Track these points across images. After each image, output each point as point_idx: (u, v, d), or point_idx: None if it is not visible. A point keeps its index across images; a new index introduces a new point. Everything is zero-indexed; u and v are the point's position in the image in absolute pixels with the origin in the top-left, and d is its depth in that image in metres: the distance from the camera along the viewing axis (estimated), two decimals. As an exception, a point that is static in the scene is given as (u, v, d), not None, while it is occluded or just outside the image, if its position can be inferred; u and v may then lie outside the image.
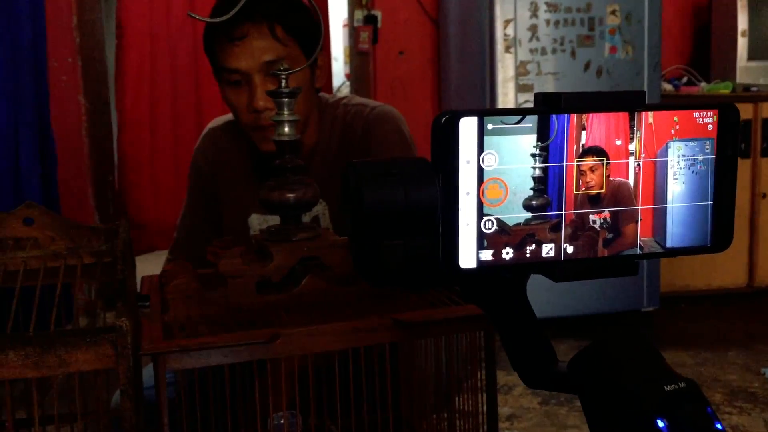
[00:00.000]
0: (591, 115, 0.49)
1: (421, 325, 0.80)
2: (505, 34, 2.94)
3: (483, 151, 0.48)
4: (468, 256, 0.48)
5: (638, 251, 0.51)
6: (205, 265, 1.00)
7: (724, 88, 3.42)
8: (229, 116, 1.62)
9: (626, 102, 0.49)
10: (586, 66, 2.99)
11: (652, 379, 0.45)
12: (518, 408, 2.23)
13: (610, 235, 0.50)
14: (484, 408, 0.91)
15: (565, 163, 0.49)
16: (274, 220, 1.53)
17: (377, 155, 1.44)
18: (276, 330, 0.77)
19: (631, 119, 0.49)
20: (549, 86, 2.97)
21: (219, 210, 1.55)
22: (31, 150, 2.19)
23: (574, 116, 0.49)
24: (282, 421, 1.03)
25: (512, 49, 2.94)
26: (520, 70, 2.95)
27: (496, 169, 0.48)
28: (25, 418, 1.03)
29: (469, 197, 0.48)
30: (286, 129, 0.93)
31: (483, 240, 0.48)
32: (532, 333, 0.53)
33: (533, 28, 2.95)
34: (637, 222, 0.50)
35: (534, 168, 0.48)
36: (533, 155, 0.48)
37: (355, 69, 3.53)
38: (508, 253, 0.49)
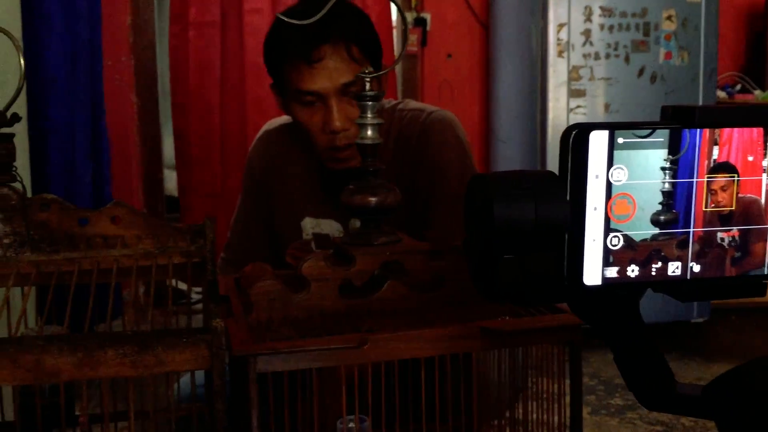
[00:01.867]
0: (724, 129, 0.48)
1: (509, 334, 0.79)
2: (558, 39, 2.92)
3: (612, 166, 0.47)
4: (593, 273, 0.48)
5: (766, 271, 0.50)
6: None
7: (779, 96, 3.35)
8: (285, 118, 1.63)
9: (763, 117, 0.48)
10: (640, 71, 2.95)
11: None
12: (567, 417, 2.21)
13: (738, 254, 0.49)
14: (555, 419, 0.90)
15: (695, 179, 0.48)
16: (327, 224, 1.54)
17: (433, 161, 1.43)
18: (365, 335, 0.77)
19: (766, 134, 0.48)
20: (602, 91, 2.94)
21: (272, 212, 1.56)
22: (85, 147, 2.23)
23: (707, 131, 0.48)
24: (351, 425, 1.03)
25: (565, 54, 2.92)
26: (573, 74, 2.93)
27: (625, 184, 0.48)
28: (98, 414, 1.05)
29: (597, 213, 0.48)
30: (369, 132, 0.93)
31: (609, 257, 0.48)
32: (648, 352, 0.53)
33: (587, 33, 2.92)
34: (766, 241, 0.49)
35: (663, 182, 0.48)
36: (663, 169, 0.48)
37: (404, 71, 3.54)
38: (633, 271, 0.48)
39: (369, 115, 0.93)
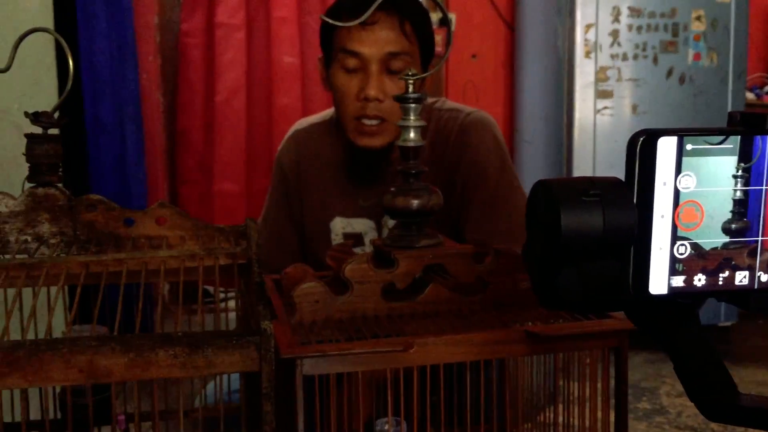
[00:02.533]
0: (796, 137, 0.47)
1: (555, 338, 0.79)
2: (586, 39, 2.90)
3: (681, 173, 0.47)
4: (659, 281, 0.47)
5: (835, 281, 0.49)
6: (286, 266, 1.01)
7: (810, 98, 3.31)
8: (315, 118, 1.63)
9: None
10: (669, 72, 2.92)
11: None
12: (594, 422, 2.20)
13: (807, 263, 0.49)
14: (598, 424, 0.89)
15: (764, 187, 0.48)
16: (358, 224, 1.53)
17: (471, 162, 1.43)
18: (410, 338, 0.77)
19: (840, 142, 0.48)
20: (629, 93, 2.91)
21: (301, 211, 1.56)
22: (135, 144, 2.25)
23: (779, 138, 0.47)
24: (386, 428, 1.03)
25: (592, 54, 2.90)
26: (600, 75, 2.91)
27: (694, 191, 0.47)
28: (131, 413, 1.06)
29: (664, 220, 0.47)
30: (412, 134, 0.93)
31: (675, 265, 0.47)
32: (710, 362, 0.52)
33: (615, 33, 2.90)
34: (836, 250, 0.49)
35: (735, 190, 0.47)
36: (735, 176, 0.47)
37: (428, 71, 3.53)
38: (700, 280, 0.48)
39: (411, 117, 0.93)
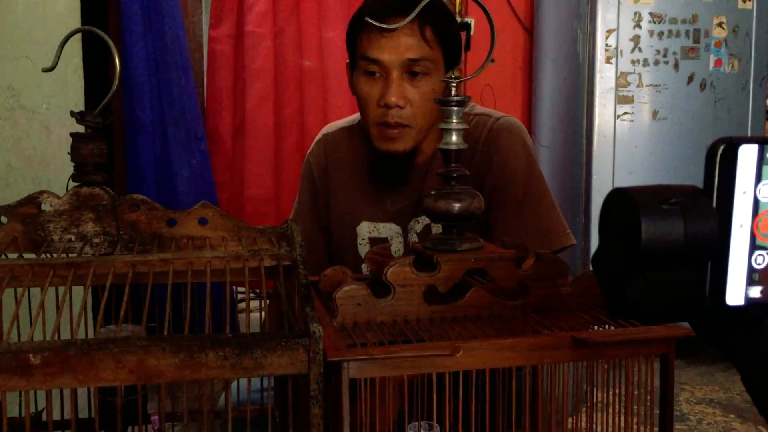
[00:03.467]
0: None
1: (603, 345, 0.78)
2: (607, 44, 2.89)
3: (761, 181, 0.46)
4: (736, 292, 0.47)
5: None
6: (314, 268, 1.01)
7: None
8: (343, 122, 1.63)
9: None
10: (690, 79, 2.91)
11: None
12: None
13: None
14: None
15: None
16: (385, 228, 1.53)
17: (499, 167, 1.43)
18: (457, 343, 0.77)
19: None
20: (650, 98, 2.91)
21: (329, 215, 1.56)
22: (181, 144, 2.26)
23: None
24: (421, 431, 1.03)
25: (613, 60, 2.89)
26: (621, 81, 2.90)
27: (773, 200, 0.46)
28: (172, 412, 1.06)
29: (742, 230, 0.47)
30: (454, 138, 0.93)
31: (753, 275, 0.47)
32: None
33: (636, 39, 2.89)
34: None
35: (816, 201, 0.47)
36: (817, 187, 0.46)
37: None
38: (777, 289, 0.47)
39: (454, 120, 0.93)
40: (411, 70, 1.31)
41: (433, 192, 0.94)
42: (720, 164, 0.46)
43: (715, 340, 0.53)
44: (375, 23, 1.07)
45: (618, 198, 0.47)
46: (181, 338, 0.69)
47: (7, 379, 0.66)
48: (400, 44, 1.29)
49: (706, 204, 0.46)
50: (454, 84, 0.92)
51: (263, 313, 0.99)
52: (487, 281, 0.95)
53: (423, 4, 0.90)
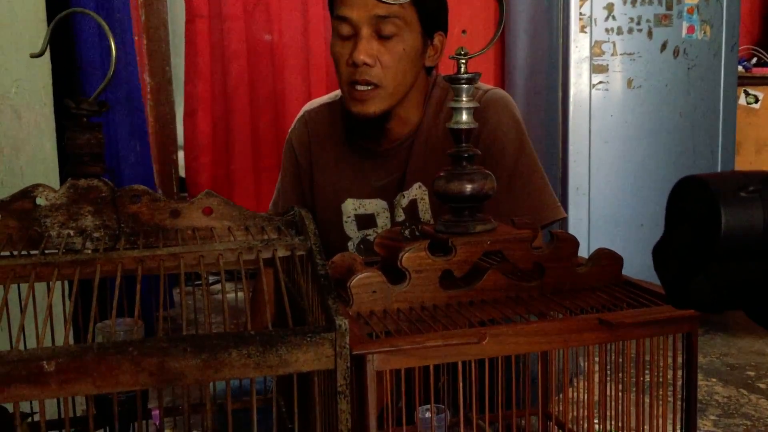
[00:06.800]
0: None
1: (629, 325, 0.77)
2: (581, 13, 2.87)
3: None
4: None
5: None
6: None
7: (798, 70, 3.33)
8: (325, 98, 1.59)
9: None
10: (663, 46, 2.91)
11: None
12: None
13: None
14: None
15: None
16: (371, 204, 1.51)
17: (489, 140, 1.41)
18: (483, 330, 0.75)
19: None
20: (624, 67, 2.90)
21: (312, 194, 1.53)
22: (126, 127, 2.19)
23: None
24: (428, 415, 1.02)
25: (587, 29, 2.88)
26: (595, 50, 2.89)
27: None
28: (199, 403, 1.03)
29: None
30: (464, 116, 0.90)
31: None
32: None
33: (610, 7, 2.88)
34: None
35: None
36: None
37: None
38: None
39: (464, 99, 0.90)
40: (381, 31, 1.31)
41: (443, 173, 0.91)
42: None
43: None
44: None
45: (691, 186, 0.45)
46: (203, 338, 0.66)
47: (21, 389, 0.62)
48: (368, 1, 1.28)
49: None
50: (463, 61, 0.89)
51: (238, 294, 0.96)
52: (497, 261, 0.93)
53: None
